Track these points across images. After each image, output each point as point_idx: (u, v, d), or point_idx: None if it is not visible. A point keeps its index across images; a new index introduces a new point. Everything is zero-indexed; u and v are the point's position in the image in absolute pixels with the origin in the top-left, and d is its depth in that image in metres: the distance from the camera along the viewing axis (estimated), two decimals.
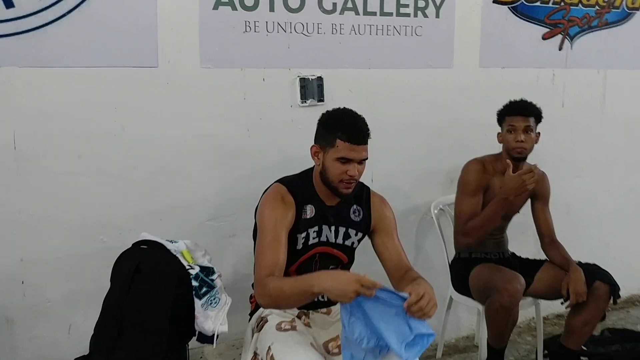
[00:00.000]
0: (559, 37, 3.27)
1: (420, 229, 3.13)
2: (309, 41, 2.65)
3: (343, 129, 2.03)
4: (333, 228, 2.17)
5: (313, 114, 2.63)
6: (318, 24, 2.65)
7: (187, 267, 1.95)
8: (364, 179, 2.84)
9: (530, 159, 2.81)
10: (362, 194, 2.24)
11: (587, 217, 3.64)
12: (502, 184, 2.66)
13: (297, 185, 2.14)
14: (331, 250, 2.18)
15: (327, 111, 2.14)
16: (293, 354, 1.92)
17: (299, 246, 2.12)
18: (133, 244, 2.04)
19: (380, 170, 2.93)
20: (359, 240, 2.24)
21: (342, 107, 2.15)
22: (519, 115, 2.69)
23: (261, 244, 2.01)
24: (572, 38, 3.31)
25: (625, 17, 3.44)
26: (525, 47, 3.19)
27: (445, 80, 3.02)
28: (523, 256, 2.95)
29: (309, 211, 2.13)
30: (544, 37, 3.23)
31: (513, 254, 2.94)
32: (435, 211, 3.01)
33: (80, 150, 2.34)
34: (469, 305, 2.88)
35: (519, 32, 3.15)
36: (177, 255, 1.97)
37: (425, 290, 1.77)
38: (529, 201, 2.90)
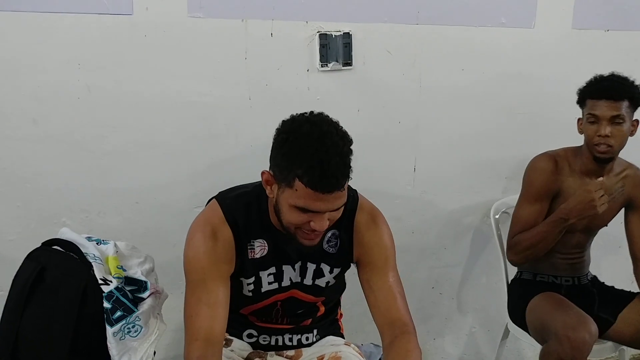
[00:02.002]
0: None
1: (476, 236, 2.49)
2: None
3: (306, 166, 1.31)
4: (298, 265, 1.58)
5: (336, 81, 2.14)
6: None
7: (101, 282, 1.47)
8: (401, 170, 2.32)
9: (627, 154, 2.09)
10: (345, 210, 1.53)
11: None
12: (580, 186, 2.01)
13: (241, 210, 1.53)
14: (298, 293, 1.61)
15: (291, 119, 1.43)
16: None
17: (247, 293, 1.57)
18: (43, 243, 1.59)
19: (426, 157, 2.34)
20: (337, 277, 1.63)
21: (312, 112, 1.43)
22: (604, 99, 1.96)
23: (188, 303, 1.49)
24: None
25: None
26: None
27: (524, 44, 2.34)
28: (609, 283, 2.24)
29: (258, 249, 1.54)
30: None
31: (594, 278, 2.24)
32: (497, 215, 2.36)
33: (36, 113, 1.92)
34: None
35: None
36: (94, 263, 1.49)
37: None
38: (622, 211, 2.18)
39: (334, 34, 2.08)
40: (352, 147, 1.38)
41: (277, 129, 1.44)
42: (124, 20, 1.91)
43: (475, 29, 2.26)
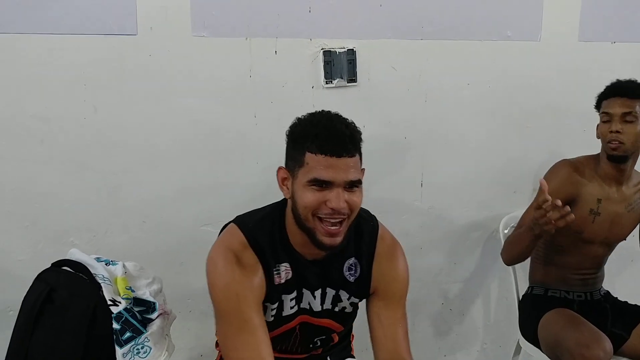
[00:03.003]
0: None
1: (485, 251, 2.46)
2: (337, 3, 2.06)
3: (314, 135, 1.36)
4: (319, 292, 1.54)
5: (341, 98, 2.14)
6: None
7: (110, 302, 1.48)
8: (409, 185, 2.31)
9: None
10: (363, 236, 1.54)
11: None
12: (599, 193, 2.04)
13: (264, 233, 1.49)
14: (315, 320, 1.57)
15: (299, 117, 1.47)
16: None
17: (270, 318, 1.52)
18: (53, 264, 1.60)
19: (434, 172, 2.32)
20: (353, 304, 1.60)
21: (322, 110, 1.46)
22: (617, 96, 1.98)
23: (226, 335, 1.43)
24: None
25: None
26: None
27: (530, 58, 2.32)
28: (622, 297, 2.19)
29: (284, 273, 1.49)
30: None
31: (607, 294, 2.20)
32: (506, 230, 2.32)
33: (43, 134, 1.93)
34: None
35: None
36: (103, 284, 1.50)
37: None
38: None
39: (338, 50, 2.08)
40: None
41: (287, 131, 1.48)
42: (128, 40, 1.93)
43: (481, 43, 2.24)
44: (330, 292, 1.55)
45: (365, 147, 1.48)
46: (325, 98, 2.11)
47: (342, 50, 2.08)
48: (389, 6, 2.11)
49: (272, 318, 1.53)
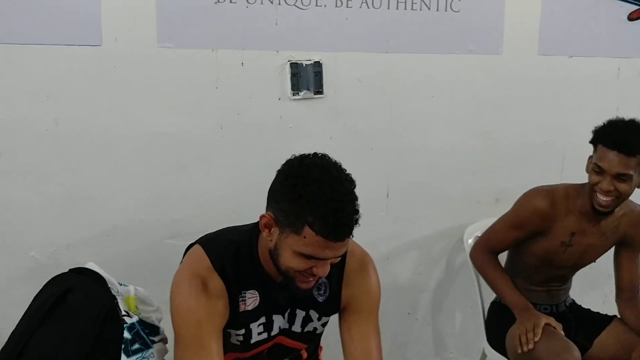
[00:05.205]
0: None
1: (450, 261, 2.49)
2: (304, 15, 2.06)
3: (319, 215, 1.26)
4: (287, 313, 1.52)
5: (308, 109, 2.16)
6: None
7: (124, 314, 1.48)
8: (375, 196, 2.31)
9: None
10: None
11: None
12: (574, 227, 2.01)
13: (231, 259, 1.44)
14: (285, 340, 1.56)
15: (298, 163, 1.35)
16: None
17: (235, 342, 1.51)
18: (70, 270, 1.58)
19: (399, 182, 2.34)
20: (324, 325, 1.59)
21: (316, 154, 1.37)
22: (616, 151, 1.81)
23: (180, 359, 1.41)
24: None
25: None
26: (602, 30, 2.44)
27: (491, 71, 2.36)
28: (581, 301, 2.24)
29: (250, 300, 1.46)
30: (631, 17, 2.45)
31: (572, 303, 2.22)
32: (470, 240, 2.34)
33: (2, 146, 1.89)
34: None
35: (594, 10, 2.40)
36: (118, 297, 1.50)
37: None
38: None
39: (304, 62, 2.09)
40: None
41: (281, 172, 1.37)
42: (93, 51, 1.90)
43: (444, 56, 2.28)
44: (300, 314, 1.53)
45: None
46: (292, 110, 2.12)
47: (309, 62, 2.09)
48: (355, 20, 2.12)
49: (238, 343, 1.51)
